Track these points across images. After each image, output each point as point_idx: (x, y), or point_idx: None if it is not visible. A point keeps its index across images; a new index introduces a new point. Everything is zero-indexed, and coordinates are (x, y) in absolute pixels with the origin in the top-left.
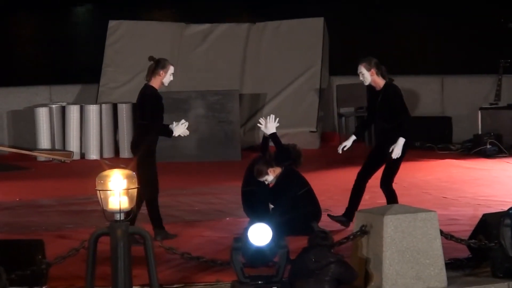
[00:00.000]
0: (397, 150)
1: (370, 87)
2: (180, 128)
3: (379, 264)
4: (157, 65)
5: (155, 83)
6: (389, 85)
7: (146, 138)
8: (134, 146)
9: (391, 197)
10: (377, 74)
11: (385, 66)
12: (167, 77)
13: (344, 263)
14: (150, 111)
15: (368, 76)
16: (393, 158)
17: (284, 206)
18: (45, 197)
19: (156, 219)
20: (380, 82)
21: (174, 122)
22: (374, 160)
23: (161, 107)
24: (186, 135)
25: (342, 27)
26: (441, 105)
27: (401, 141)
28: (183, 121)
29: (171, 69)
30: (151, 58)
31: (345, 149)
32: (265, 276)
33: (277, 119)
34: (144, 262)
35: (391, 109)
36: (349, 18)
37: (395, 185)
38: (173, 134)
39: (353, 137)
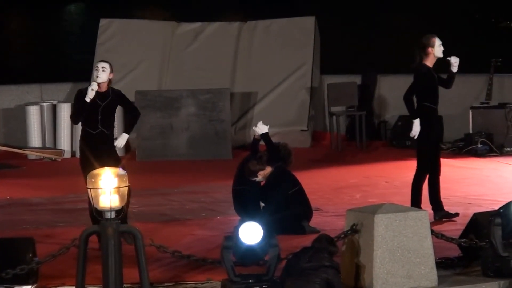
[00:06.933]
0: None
1: (432, 69)
2: (89, 93)
3: (370, 263)
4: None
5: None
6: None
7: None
8: None
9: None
10: None
11: (374, 65)
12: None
13: (338, 274)
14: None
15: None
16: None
17: (275, 205)
18: (36, 195)
19: None
20: None
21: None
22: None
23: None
24: (94, 89)
25: (334, 26)
26: None
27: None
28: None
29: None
30: None
31: (416, 135)
32: (256, 275)
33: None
34: (135, 261)
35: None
36: (341, 17)
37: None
38: (86, 99)
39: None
